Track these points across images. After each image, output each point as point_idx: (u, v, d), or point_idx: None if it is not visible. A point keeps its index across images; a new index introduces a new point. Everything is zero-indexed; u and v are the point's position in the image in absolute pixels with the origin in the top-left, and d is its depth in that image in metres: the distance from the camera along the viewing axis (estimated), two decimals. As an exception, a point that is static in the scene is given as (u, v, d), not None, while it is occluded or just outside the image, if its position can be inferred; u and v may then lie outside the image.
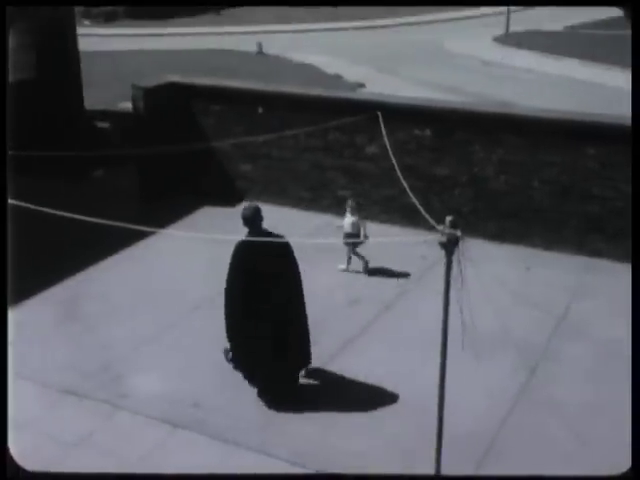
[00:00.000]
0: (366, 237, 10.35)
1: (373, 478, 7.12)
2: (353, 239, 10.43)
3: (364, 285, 10.36)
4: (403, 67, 30.13)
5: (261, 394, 7.85)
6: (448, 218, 5.59)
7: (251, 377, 7.83)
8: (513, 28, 37.78)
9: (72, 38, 17.50)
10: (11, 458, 5.98)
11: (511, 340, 8.34)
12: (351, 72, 28.85)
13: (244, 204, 8.47)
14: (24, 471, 6.20)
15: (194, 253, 10.68)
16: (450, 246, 5.62)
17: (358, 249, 10.54)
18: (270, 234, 7.70)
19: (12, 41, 16.14)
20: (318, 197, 12.63)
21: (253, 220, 7.58)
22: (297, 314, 7.82)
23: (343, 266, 10.66)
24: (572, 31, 39.81)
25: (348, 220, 10.51)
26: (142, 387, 8.09)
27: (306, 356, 7.99)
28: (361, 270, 10.60)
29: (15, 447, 5.93)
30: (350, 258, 10.62)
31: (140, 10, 44.40)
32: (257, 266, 7.46)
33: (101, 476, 7.81)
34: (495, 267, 9.74)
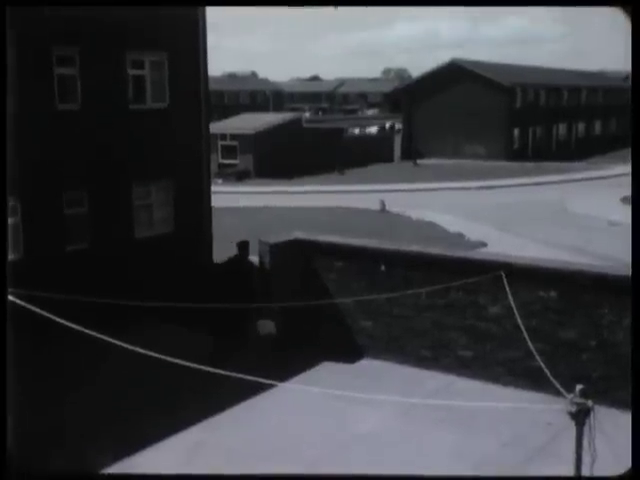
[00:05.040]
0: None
1: (373, 478, 6.69)
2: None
3: (485, 451, 9.88)
4: (526, 226, 29.99)
5: None
6: (578, 387, 5.36)
7: None
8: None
9: (206, 196, 18.64)
10: (11, 458, 5.89)
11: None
12: (473, 231, 28.94)
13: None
14: (23, 471, 6.08)
15: (313, 408, 10.61)
16: (581, 416, 5.35)
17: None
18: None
19: (154, 198, 17.38)
20: (439, 356, 12.41)
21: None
22: None
23: None
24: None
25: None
26: None
27: None
28: None
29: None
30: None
31: (268, 169, 46.90)
32: None
33: (101, 476, 7.56)
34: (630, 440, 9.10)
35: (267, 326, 13.89)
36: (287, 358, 12.50)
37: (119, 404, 11.26)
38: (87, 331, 7.84)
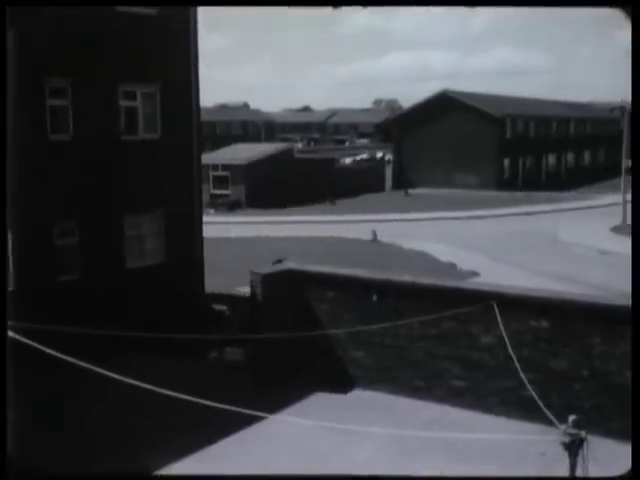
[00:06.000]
0: None
1: (373, 478, 6.65)
2: None
3: (479, 482, 9.81)
4: (517, 256, 30.05)
5: None
6: (571, 417, 5.35)
7: None
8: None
9: (198, 227, 18.65)
10: (11, 459, 5.82)
11: None
12: (464, 260, 28.96)
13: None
14: (23, 471, 6.00)
15: (305, 440, 10.51)
16: (574, 447, 5.33)
17: None
18: None
19: (146, 229, 17.38)
20: (432, 386, 12.36)
21: None
22: None
23: None
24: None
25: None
26: None
27: None
28: None
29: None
30: None
31: (260, 200, 46.95)
32: None
33: (101, 476, 7.41)
34: (624, 469, 9.04)
35: (234, 354, 14.16)
36: (279, 389, 12.44)
37: (109, 434, 11.15)
38: (81, 363, 7.80)
